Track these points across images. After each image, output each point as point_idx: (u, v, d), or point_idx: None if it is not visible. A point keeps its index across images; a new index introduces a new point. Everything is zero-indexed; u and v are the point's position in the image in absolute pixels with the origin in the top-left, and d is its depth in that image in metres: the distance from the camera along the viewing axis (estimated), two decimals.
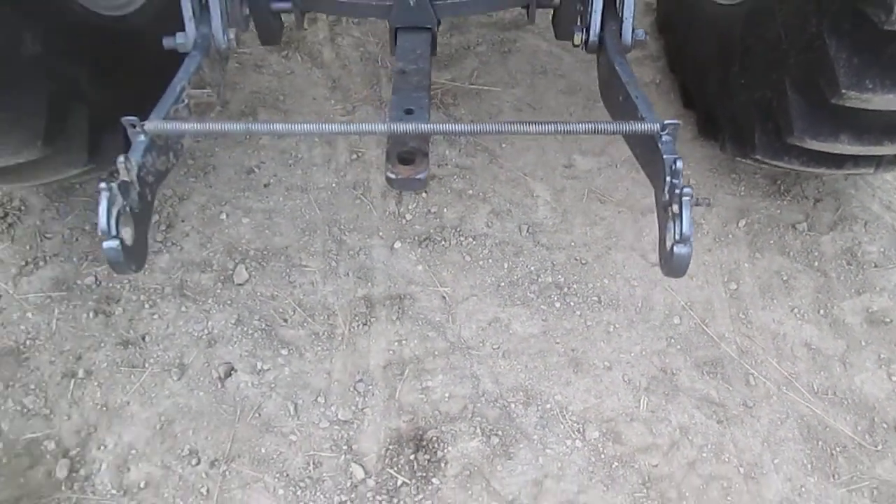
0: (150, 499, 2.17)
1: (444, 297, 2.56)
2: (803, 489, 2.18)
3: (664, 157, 1.67)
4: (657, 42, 3.24)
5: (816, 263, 2.65)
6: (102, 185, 1.55)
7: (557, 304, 2.55)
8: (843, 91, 1.91)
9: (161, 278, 2.61)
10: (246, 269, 2.62)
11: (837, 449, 2.25)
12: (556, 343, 2.46)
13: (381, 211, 2.79)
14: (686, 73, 2.98)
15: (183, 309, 2.54)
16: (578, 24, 2.20)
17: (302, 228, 2.74)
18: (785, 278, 2.61)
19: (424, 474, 2.19)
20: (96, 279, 2.61)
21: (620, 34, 2.07)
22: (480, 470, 2.20)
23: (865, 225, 2.73)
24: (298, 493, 2.17)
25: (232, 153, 2.97)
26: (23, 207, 2.80)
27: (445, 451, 2.23)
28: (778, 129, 2.26)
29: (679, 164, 1.63)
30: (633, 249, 2.68)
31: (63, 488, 2.18)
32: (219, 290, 2.58)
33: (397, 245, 2.69)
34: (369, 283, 2.59)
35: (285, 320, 2.51)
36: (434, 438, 2.26)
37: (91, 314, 2.52)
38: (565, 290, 2.58)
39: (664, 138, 1.71)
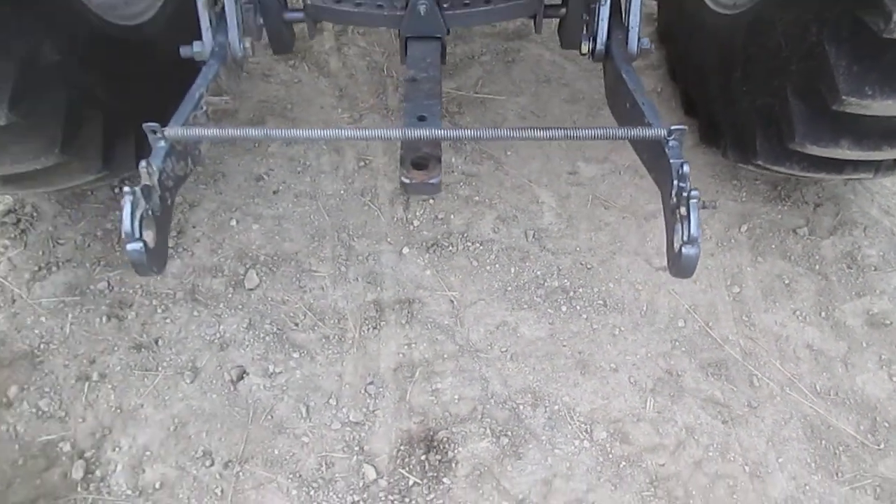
0: (166, 499, 2.20)
1: (452, 302, 2.60)
2: (807, 487, 2.22)
3: (671, 161, 1.72)
4: (658, 51, 3.29)
5: (817, 267, 2.70)
6: (126, 188, 1.60)
7: (564, 308, 2.59)
8: (844, 97, 1.96)
9: (173, 283, 2.65)
10: (257, 274, 2.66)
11: (840, 448, 2.29)
12: (563, 346, 2.50)
13: (389, 217, 2.84)
14: (688, 81, 3.03)
15: (195, 313, 2.58)
16: (585, 33, 2.25)
17: (311, 234, 2.79)
18: (787, 282, 2.66)
19: (435, 474, 2.23)
20: (109, 284, 2.65)
21: (626, 43, 2.13)
22: (490, 470, 2.24)
23: (865, 229, 2.78)
24: (311, 493, 2.20)
25: (241, 161, 3.01)
26: (35, 214, 2.84)
27: (456, 451, 2.27)
28: (779, 135, 2.31)
29: (686, 167, 1.68)
30: (637, 254, 2.73)
31: (79, 489, 2.21)
32: (230, 295, 2.62)
33: (405, 250, 2.73)
34: (378, 288, 2.63)
35: (296, 324, 2.55)
36: (445, 439, 2.29)
37: (104, 318, 2.56)
38: (571, 294, 2.62)
39: (671, 143, 1.76)
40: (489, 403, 2.37)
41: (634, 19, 2.12)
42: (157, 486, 2.22)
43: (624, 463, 2.26)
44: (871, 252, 2.73)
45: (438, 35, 2.25)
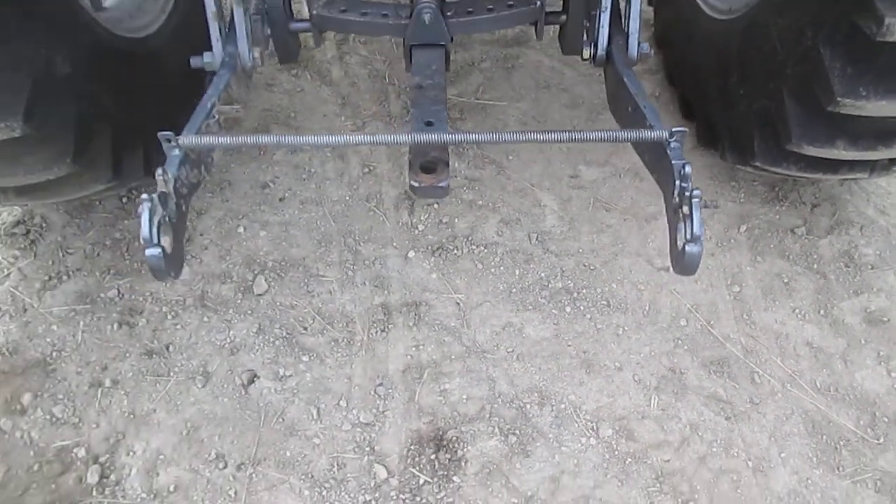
0: (180, 502, 2.23)
1: (458, 304, 2.65)
2: (809, 481, 2.27)
3: (673, 162, 1.77)
4: (656, 56, 3.35)
5: (815, 266, 2.75)
6: (144, 196, 1.65)
7: (568, 309, 2.64)
8: (839, 99, 2.01)
9: (182, 290, 2.69)
10: (265, 279, 2.70)
11: (841, 443, 2.34)
12: (567, 346, 2.55)
13: (395, 222, 2.88)
14: (685, 85, 3.09)
15: (205, 319, 2.62)
16: (586, 39, 2.31)
17: (318, 240, 2.83)
18: (786, 280, 2.71)
19: (446, 473, 2.27)
20: (119, 292, 2.69)
21: (627, 48, 2.18)
22: (499, 467, 2.28)
23: (861, 229, 2.83)
24: (324, 493, 2.24)
25: (247, 169, 3.06)
26: (44, 224, 2.88)
27: (465, 450, 2.31)
28: (776, 137, 2.36)
29: (688, 168, 1.73)
30: (638, 255, 2.77)
31: (94, 493, 2.24)
32: (239, 301, 2.66)
33: (411, 254, 2.78)
34: (386, 291, 2.68)
35: (305, 328, 2.59)
36: (454, 438, 2.33)
37: (115, 326, 2.60)
38: (575, 294, 2.67)
39: (672, 145, 1.81)
40: (497, 403, 2.41)
41: (634, 25, 2.18)
42: (172, 488, 2.26)
43: (630, 459, 2.30)
44: (867, 251, 2.78)
45: (442, 43, 2.31)
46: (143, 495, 2.25)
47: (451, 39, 2.34)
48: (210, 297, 2.67)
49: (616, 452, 2.31)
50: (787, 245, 2.80)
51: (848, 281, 2.71)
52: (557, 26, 2.48)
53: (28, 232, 2.85)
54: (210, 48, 2.26)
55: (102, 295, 2.68)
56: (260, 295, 2.67)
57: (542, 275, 2.72)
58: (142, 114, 2.58)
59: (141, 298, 2.67)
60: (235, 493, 2.25)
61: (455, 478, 2.26)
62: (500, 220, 2.87)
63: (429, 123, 1.99)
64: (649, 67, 3.35)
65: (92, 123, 2.32)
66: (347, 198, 2.96)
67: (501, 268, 2.75)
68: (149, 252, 1.66)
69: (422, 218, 2.88)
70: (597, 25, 2.22)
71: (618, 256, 2.78)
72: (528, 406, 2.41)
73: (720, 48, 2.62)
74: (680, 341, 2.56)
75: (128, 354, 2.53)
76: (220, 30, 2.18)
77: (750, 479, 2.27)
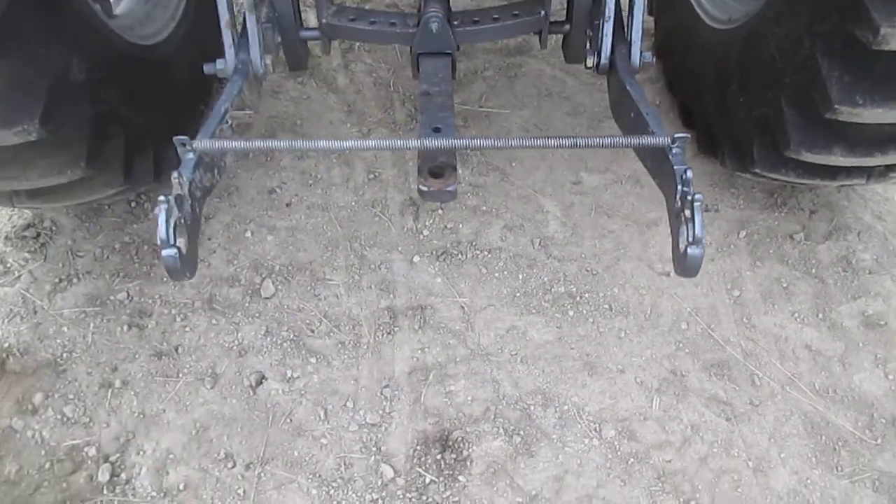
0: (190, 500, 2.27)
1: (462, 308, 2.69)
2: (809, 481, 2.31)
3: (675, 167, 1.82)
4: (656, 65, 3.40)
5: (814, 271, 2.79)
6: (161, 198, 1.69)
7: (571, 313, 2.68)
8: (836, 106, 2.05)
9: (191, 293, 2.73)
10: (272, 283, 2.74)
11: (839, 443, 2.38)
12: (570, 349, 2.59)
13: (400, 227, 2.93)
14: (685, 93, 3.14)
15: (213, 322, 2.66)
16: (589, 48, 2.36)
17: (324, 244, 2.87)
18: (785, 285, 2.75)
19: (451, 472, 2.31)
20: (128, 294, 2.73)
21: (629, 57, 2.23)
22: (504, 467, 2.32)
23: (859, 234, 2.88)
24: (331, 492, 2.28)
25: (254, 175, 3.10)
26: (54, 228, 2.93)
27: (470, 450, 2.35)
28: (775, 144, 2.40)
29: (689, 173, 1.78)
30: (640, 260, 2.82)
31: (105, 492, 2.28)
32: (247, 304, 2.70)
33: (416, 259, 2.82)
34: (391, 295, 2.72)
35: (312, 331, 2.63)
36: (459, 439, 2.37)
37: (125, 328, 2.64)
38: (578, 298, 2.71)
39: (674, 150, 1.86)
40: (501, 404, 2.45)
41: (636, 34, 2.23)
42: (181, 487, 2.29)
43: (632, 459, 2.34)
44: (865, 256, 2.83)
45: (449, 51, 2.36)
46: (153, 494, 2.28)
47: (458, 48, 2.39)
48: (218, 300, 2.71)
49: (619, 453, 2.35)
50: (786, 250, 2.85)
51: (846, 285, 2.75)
52: (561, 36, 2.53)
53: (38, 235, 2.90)
54: (221, 55, 2.31)
55: (112, 297, 2.72)
56: (267, 298, 2.71)
57: (546, 279, 2.77)
58: (152, 119, 2.64)
59: (150, 301, 2.71)
60: (244, 491, 2.29)
61: (461, 477, 2.30)
62: (504, 226, 2.92)
63: (436, 129, 2.03)
64: (650, 76, 3.41)
65: (105, 128, 2.37)
66: (353, 203, 3.01)
67: (505, 272, 2.79)
68: (165, 252, 1.71)
69: (427, 223, 2.93)
70: (600, 35, 2.27)
71: (619, 261, 2.82)
72: (532, 407, 2.45)
73: (720, 57, 2.67)
74: (681, 344, 2.60)
75: (137, 356, 2.57)
76: (232, 38, 2.23)
77: (750, 478, 2.31)
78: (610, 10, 2.21)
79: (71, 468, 2.32)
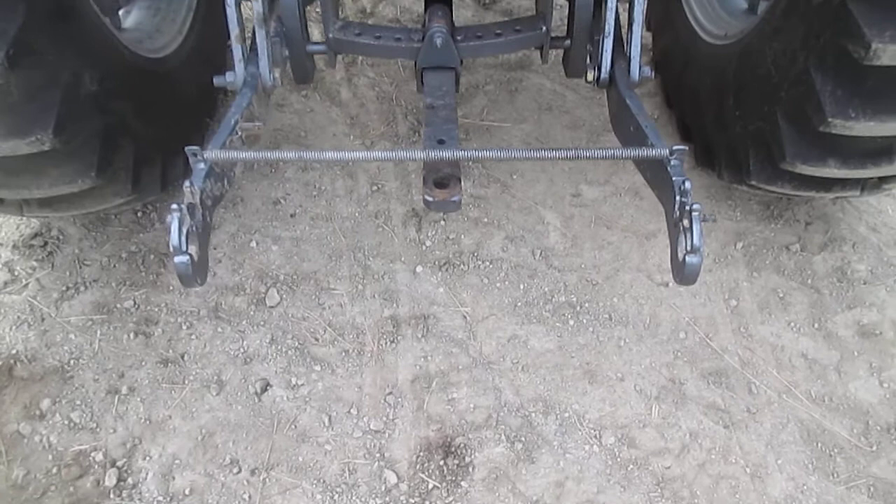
0: None
1: (465, 317, 2.73)
2: (805, 487, 2.34)
3: (674, 178, 1.87)
4: (654, 80, 3.46)
5: (810, 281, 2.84)
6: (174, 206, 1.73)
7: (571, 322, 2.72)
8: (829, 119, 2.10)
9: (197, 301, 2.77)
10: (277, 292, 2.79)
11: (835, 450, 2.42)
12: (571, 357, 2.63)
13: (403, 238, 2.97)
14: (683, 107, 3.19)
15: (219, 330, 2.70)
16: (589, 63, 2.42)
17: (328, 255, 2.92)
18: (781, 295, 2.80)
19: (454, 478, 2.34)
20: (135, 302, 2.77)
21: (629, 71, 2.29)
22: (506, 473, 2.35)
23: (854, 245, 2.93)
24: (336, 497, 2.31)
25: (258, 186, 3.15)
26: (61, 237, 2.97)
27: (473, 456, 2.39)
28: (771, 156, 2.45)
29: (688, 184, 1.83)
30: (639, 271, 2.87)
31: (112, 496, 2.31)
32: (252, 312, 2.74)
33: (419, 269, 2.87)
34: (394, 304, 2.76)
35: (317, 339, 2.67)
36: (462, 445, 2.41)
37: (131, 335, 2.67)
38: (578, 308, 2.76)
39: (673, 162, 1.91)
40: (503, 411, 2.49)
41: (636, 49, 2.29)
42: (187, 492, 2.32)
43: (632, 466, 2.37)
44: (860, 267, 2.88)
45: (453, 66, 2.41)
46: (160, 498, 2.31)
47: (461, 63, 2.44)
48: (224, 309, 2.75)
49: (618, 459, 2.39)
50: (783, 261, 2.90)
51: (841, 296, 2.80)
52: (562, 51, 2.59)
53: (46, 244, 2.94)
54: (225, 68, 2.37)
55: (119, 305, 2.76)
56: (272, 307, 2.75)
57: (546, 289, 2.81)
58: (159, 131, 2.69)
59: (156, 309, 2.75)
60: (249, 496, 2.32)
61: (463, 483, 2.33)
62: (505, 237, 2.97)
63: (441, 141, 2.08)
64: (648, 90, 3.47)
65: (115, 139, 2.41)
66: (357, 214, 3.06)
67: (507, 282, 2.83)
68: (177, 259, 1.75)
69: (429, 234, 2.98)
70: (600, 50, 2.33)
71: (619, 272, 2.87)
72: (534, 415, 2.49)
73: (717, 72, 2.72)
74: (679, 353, 2.64)
75: (144, 363, 2.61)
76: (242, 51, 2.28)
77: (748, 484, 2.34)
78: (610, 25, 2.27)
79: (78, 473, 2.35)
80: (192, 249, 1.79)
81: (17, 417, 2.47)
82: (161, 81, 2.72)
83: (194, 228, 1.81)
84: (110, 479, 2.33)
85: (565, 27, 2.49)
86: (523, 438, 2.43)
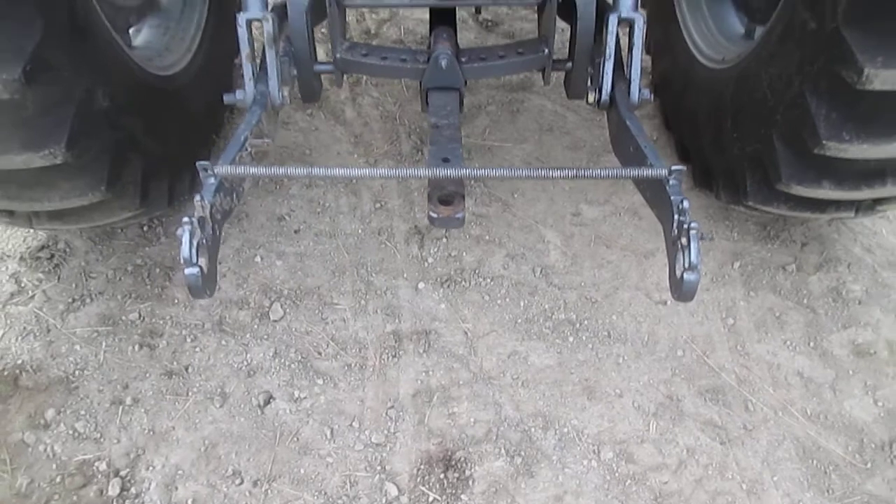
0: None
1: (466, 333, 2.77)
2: (801, 503, 2.38)
3: (672, 198, 1.91)
4: (654, 102, 3.52)
5: (805, 301, 2.88)
6: (185, 219, 1.78)
7: (571, 339, 2.76)
8: (824, 142, 2.15)
9: (201, 315, 2.81)
10: (281, 306, 2.82)
11: (830, 467, 2.44)
12: (570, 373, 2.66)
13: (405, 255, 3.02)
14: (682, 129, 3.25)
15: (223, 343, 2.73)
16: (590, 85, 2.48)
17: (332, 270, 2.96)
18: (777, 314, 2.84)
19: (454, 491, 2.36)
20: (140, 315, 2.80)
21: (629, 94, 2.35)
22: (505, 487, 2.38)
23: (849, 266, 2.98)
24: None
25: (263, 202, 3.20)
26: (68, 249, 3.01)
27: (473, 470, 2.41)
28: (767, 178, 2.50)
29: (686, 203, 1.87)
30: (638, 289, 2.91)
31: None
32: (256, 326, 2.78)
33: (421, 285, 2.91)
34: (397, 320, 2.80)
35: (320, 353, 2.70)
36: (462, 459, 2.44)
37: (136, 347, 2.71)
38: (577, 325, 2.80)
39: (671, 182, 1.96)
40: (503, 426, 2.52)
41: (635, 72, 2.34)
42: (190, 502, 2.34)
43: (630, 481, 2.40)
44: (855, 287, 2.92)
45: (457, 86, 2.46)
46: None
47: (465, 83, 2.50)
48: (228, 322, 2.79)
49: (616, 474, 2.42)
50: (779, 281, 2.94)
51: (836, 315, 2.84)
52: (563, 73, 2.65)
53: (52, 256, 2.98)
54: (231, 87, 2.42)
55: (124, 317, 2.79)
56: (276, 321, 2.79)
57: (546, 306, 2.85)
58: (167, 147, 2.74)
59: (161, 321, 2.79)
60: None
61: (463, 496, 2.36)
62: (506, 255, 3.01)
63: (445, 159, 2.13)
64: (648, 113, 3.53)
65: (124, 154, 2.46)
66: (360, 231, 3.10)
67: (507, 299, 2.88)
68: (188, 271, 1.79)
69: (431, 251, 3.02)
70: (601, 72, 2.38)
71: (618, 290, 2.91)
72: (533, 430, 2.52)
73: (714, 95, 2.78)
74: (677, 370, 2.68)
75: (148, 374, 2.64)
76: (252, 70, 2.34)
77: (744, 500, 2.37)
78: (610, 49, 2.33)
79: (81, 482, 2.37)
80: (202, 262, 1.83)
81: (22, 426, 2.49)
82: (170, 99, 2.78)
83: (204, 241, 1.85)
84: (113, 489, 2.35)
85: (567, 50, 2.55)
86: (523, 453, 2.46)
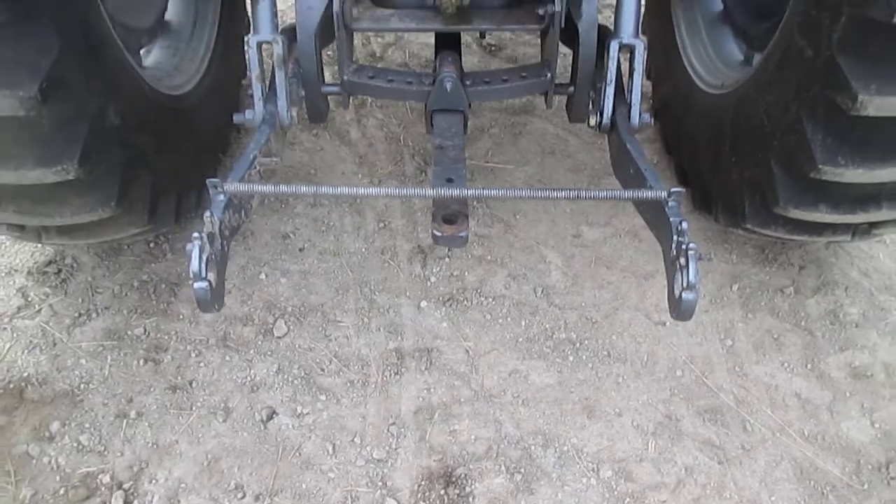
0: None
1: (467, 351, 2.80)
2: None
3: (671, 219, 1.96)
4: (654, 127, 3.59)
5: (803, 323, 2.92)
6: (195, 234, 1.82)
7: (571, 358, 2.79)
8: (820, 166, 2.19)
9: (206, 331, 2.84)
10: (285, 323, 2.86)
11: (828, 488, 2.46)
12: (570, 392, 2.69)
13: (408, 274, 3.06)
14: (682, 153, 3.30)
15: (227, 358, 2.76)
16: (592, 108, 2.53)
17: (335, 288, 3.00)
18: (775, 336, 2.87)
19: None
20: (145, 330, 2.84)
21: (629, 117, 2.40)
22: (505, 503, 2.40)
23: (846, 289, 3.02)
24: None
25: (268, 220, 3.25)
26: (75, 265, 3.05)
27: (473, 486, 2.43)
28: (765, 201, 2.53)
29: (685, 224, 1.92)
30: (637, 310, 2.94)
31: None
32: (260, 342, 2.81)
33: (423, 304, 2.94)
34: (399, 338, 2.83)
35: (323, 370, 2.73)
36: (462, 475, 2.46)
37: (141, 361, 2.74)
38: (577, 345, 2.83)
39: (671, 203, 2.00)
40: (503, 443, 2.54)
41: (636, 97, 2.40)
42: None
43: (628, 499, 2.42)
44: (852, 310, 2.95)
45: (461, 109, 2.52)
46: None
47: (469, 106, 2.55)
48: (232, 338, 2.82)
49: (615, 492, 2.44)
50: (777, 303, 2.98)
51: (834, 338, 2.87)
52: (565, 97, 2.70)
53: (59, 271, 3.02)
54: (241, 107, 2.47)
55: (129, 332, 2.82)
56: (280, 337, 2.82)
57: (547, 326, 2.89)
58: (175, 165, 2.79)
59: (166, 337, 2.82)
60: None
61: None
62: (508, 275, 3.05)
63: (449, 180, 2.18)
64: (648, 136, 3.58)
65: (134, 171, 2.50)
66: (364, 250, 3.14)
67: (508, 319, 2.91)
68: (197, 286, 1.83)
69: (434, 270, 3.06)
70: (602, 97, 2.44)
71: (618, 311, 2.94)
72: (533, 447, 2.54)
73: (713, 120, 2.82)
74: (676, 390, 2.70)
75: (152, 388, 2.67)
76: (262, 90, 2.40)
77: None
78: (612, 73, 2.39)
79: (85, 494, 2.39)
80: (211, 276, 1.87)
81: (27, 439, 2.52)
82: (179, 117, 2.83)
83: (213, 256, 1.89)
84: (117, 502, 2.37)
85: (569, 75, 2.60)
86: (523, 470, 2.48)
